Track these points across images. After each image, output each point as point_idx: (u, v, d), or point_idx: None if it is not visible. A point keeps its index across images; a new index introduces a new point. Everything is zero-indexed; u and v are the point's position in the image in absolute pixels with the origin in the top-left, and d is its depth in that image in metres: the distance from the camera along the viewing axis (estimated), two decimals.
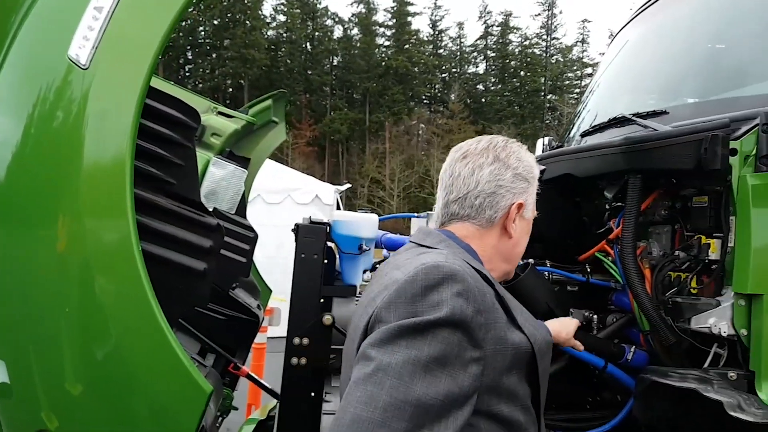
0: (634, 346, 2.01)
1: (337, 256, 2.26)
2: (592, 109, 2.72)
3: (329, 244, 2.25)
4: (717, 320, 1.67)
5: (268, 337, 5.61)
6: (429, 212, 2.43)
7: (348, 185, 12.37)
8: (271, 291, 3.61)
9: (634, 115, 2.17)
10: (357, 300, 2.26)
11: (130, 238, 1.55)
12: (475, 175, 1.32)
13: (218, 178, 3.14)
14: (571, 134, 2.81)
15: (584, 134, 2.54)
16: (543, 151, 3.38)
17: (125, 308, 1.59)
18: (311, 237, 2.06)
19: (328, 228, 2.15)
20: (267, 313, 6.11)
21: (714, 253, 1.77)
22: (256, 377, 3.10)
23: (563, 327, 1.80)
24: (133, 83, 1.58)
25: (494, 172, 1.32)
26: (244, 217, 3.19)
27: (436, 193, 1.42)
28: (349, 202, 48.30)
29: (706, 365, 1.73)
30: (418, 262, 1.15)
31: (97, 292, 1.58)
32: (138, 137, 1.78)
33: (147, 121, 1.80)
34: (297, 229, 2.09)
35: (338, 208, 10.84)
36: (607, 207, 2.38)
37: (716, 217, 1.78)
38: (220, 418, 3.07)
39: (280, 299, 3.95)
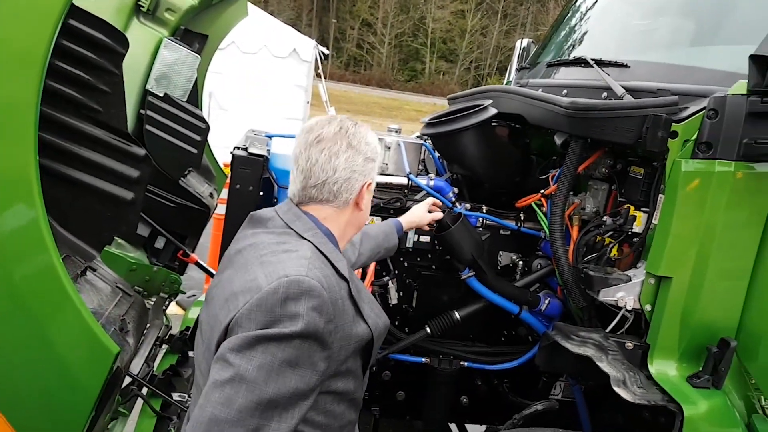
0: (548, 298, 2.11)
1: (276, 187, 2.23)
2: (564, 39, 2.59)
3: None
4: (625, 294, 1.74)
5: None
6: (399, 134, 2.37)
7: (326, 51, 11.76)
8: (226, 176, 3.58)
9: (596, 61, 2.08)
10: None
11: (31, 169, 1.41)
12: (332, 162, 1.39)
13: (170, 62, 2.97)
14: (539, 58, 2.70)
15: (549, 65, 2.45)
16: (519, 55, 3.25)
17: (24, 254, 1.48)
18: (247, 168, 2.02)
19: (265, 160, 2.10)
20: (222, 201, 6.06)
21: (638, 227, 1.81)
22: (204, 265, 3.20)
23: (418, 213, 2.11)
24: None
25: (349, 160, 1.40)
26: (197, 106, 3.08)
27: (291, 172, 1.45)
28: (337, 44, 46.20)
29: (609, 328, 1.83)
30: (281, 270, 1.23)
31: None
32: (61, 59, 1.67)
33: (71, 43, 1.68)
34: (233, 159, 2.04)
35: (317, 67, 10.43)
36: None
37: (647, 191, 1.79)
38: (167, 301, 3.20)
39: None
